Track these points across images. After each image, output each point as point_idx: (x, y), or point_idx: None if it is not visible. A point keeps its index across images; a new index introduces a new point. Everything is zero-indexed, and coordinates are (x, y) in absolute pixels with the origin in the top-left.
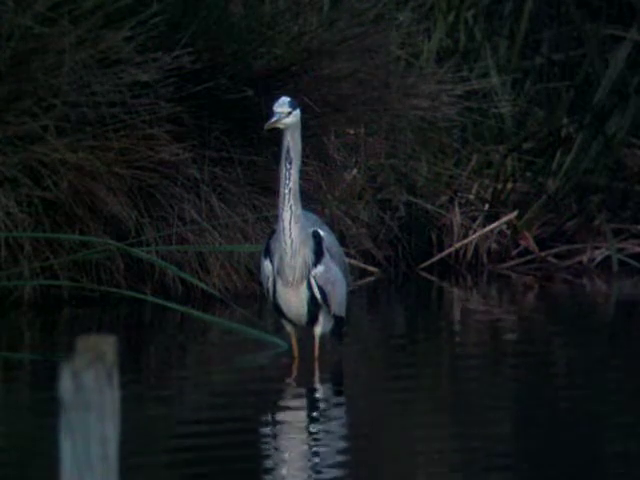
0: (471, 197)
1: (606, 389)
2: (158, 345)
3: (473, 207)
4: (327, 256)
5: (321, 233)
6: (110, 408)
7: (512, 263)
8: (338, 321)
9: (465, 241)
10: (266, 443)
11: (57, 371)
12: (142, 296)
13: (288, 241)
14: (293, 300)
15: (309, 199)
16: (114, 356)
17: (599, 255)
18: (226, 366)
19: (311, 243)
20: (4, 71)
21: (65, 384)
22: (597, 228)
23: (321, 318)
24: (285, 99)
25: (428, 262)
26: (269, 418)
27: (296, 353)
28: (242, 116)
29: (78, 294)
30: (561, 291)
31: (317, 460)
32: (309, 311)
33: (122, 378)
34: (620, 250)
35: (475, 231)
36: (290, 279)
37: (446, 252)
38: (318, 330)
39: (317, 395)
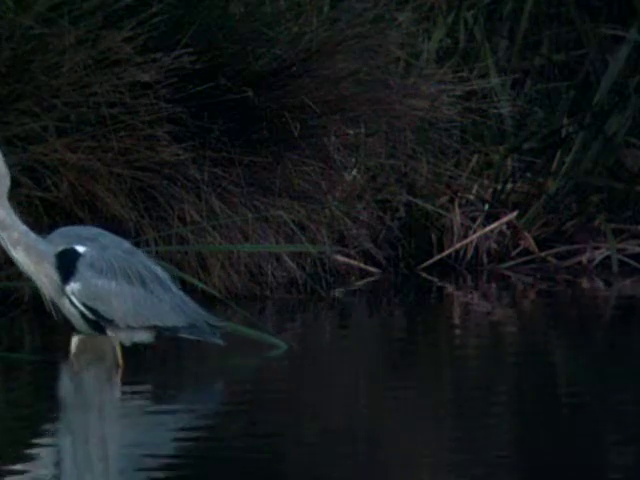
0: (471, 197)
1: (607, 390)
2: (157, 345)
3: (473, 207)
4: (87, 272)
5: (80, 250)
6: (110, 408)
7: (512, 263)
8: (169, 330)
9: (465, 241)
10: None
11: (57, 371)
12: None
13: (17, 265)
14: (71, 316)
15: (309, 199)
16: (114, 356)
17: (599, 255)
18: (225, 368)
19: (53, 261)
20: (4, 71)
21: (65, 384)
22: (597, 228)
23: (111, 332)
24: None
25: (428, 262)
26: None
27: (120, 362)
28: (242, 116)
29: None
30: (561, 291)
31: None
32: (91, 327)
33: (121, 379)
34: (620, 250)
35: (475, 231)
36: (46, 296)
37: (446, 252)
38: (115, 346)
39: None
